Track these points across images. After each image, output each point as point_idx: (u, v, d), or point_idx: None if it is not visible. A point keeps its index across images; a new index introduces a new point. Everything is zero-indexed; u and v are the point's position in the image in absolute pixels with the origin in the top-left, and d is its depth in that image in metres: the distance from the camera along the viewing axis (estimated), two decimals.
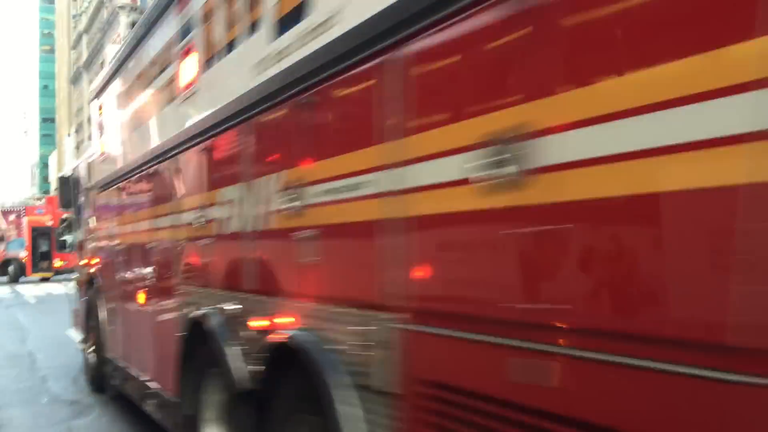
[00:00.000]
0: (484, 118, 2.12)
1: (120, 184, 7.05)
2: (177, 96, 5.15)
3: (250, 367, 3.84)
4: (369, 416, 2.78)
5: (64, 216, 10.74)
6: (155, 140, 5.76)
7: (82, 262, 9.21)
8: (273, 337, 3.51)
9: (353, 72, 2.86)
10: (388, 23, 2.55)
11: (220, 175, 4.41)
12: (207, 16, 4.49)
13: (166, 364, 5.27)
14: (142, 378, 6.15)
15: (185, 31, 4.91)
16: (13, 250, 34.22)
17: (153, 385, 5.82)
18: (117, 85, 7.27)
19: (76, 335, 9.93)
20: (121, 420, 7.21)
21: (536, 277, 2.00)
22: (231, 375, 4.03)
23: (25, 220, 34.19)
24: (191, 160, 4.93)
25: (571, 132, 1.82)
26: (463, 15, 2.22)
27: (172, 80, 5.28)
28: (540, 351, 1.94)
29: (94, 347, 8.39)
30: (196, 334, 4.59)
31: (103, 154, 7.91)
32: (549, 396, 1.92)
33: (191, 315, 4.68)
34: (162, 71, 5.56)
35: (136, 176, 6.44)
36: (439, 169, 2.33)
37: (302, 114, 3.29)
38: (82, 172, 9.14)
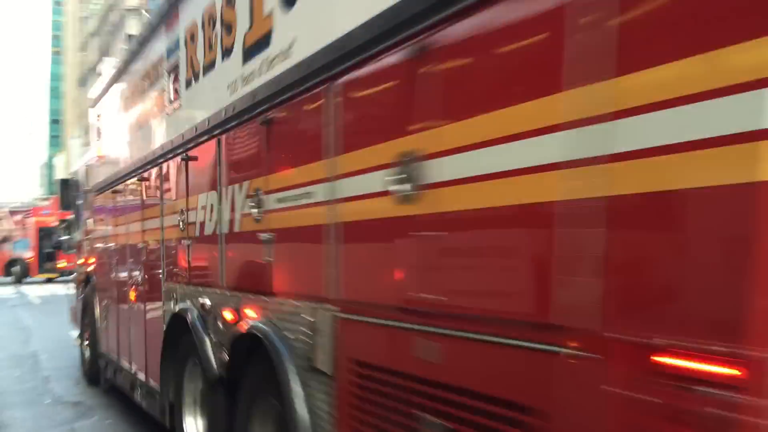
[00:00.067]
0: (392, 143, 2.57)
1: (113, 188, 7.53)
2: (163, 109, 5.61)
3: (222, 356, 4.29)
4: (313, 393, 3.23)
5: (64, 218, 11.18)
6: (143, 149, 6.23)
7: (79, 262, 9.70)
8: (239, 328, 3.97)
9: (301, 97, 3.32)
10: (325, 60, 3.01)
11: (196, 182, 4.87)
12: (191, 38, 4.95)
13: (152, 356, 5.73)
14: (131, 369, 6.61)
15: (171, 50, 5.37)
16: (18, 251, 34.20)
17: (141, 375, 6.28)
18: (112, 96, 7.75)
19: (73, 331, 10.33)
20: (124, 422, 7.22)
21: (429, 272, 2.45)
22: (206, 363, 4.48)
23: (31, 221, 34.30)
24: (172, 169, 5.39)
25: (447, 157, 2.27)
26: (374, 62, 2.70)
27: (159, 94, 5.74)
28: (433, 333, 2.39)
29: (88, 342, 8.87)
30: (176, 327, 5.05)
31: (99, 158, 8.39)
32: (441, 369, 2.37)
33: (172, 310, 5.13)
34: (151, 86, 6.03)
35: (126, 181, 6.92)
36: (363, 183, 2.78)
37: (262, 131, 3.74)
38: (81, 176, 9.63)
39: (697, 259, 1.59)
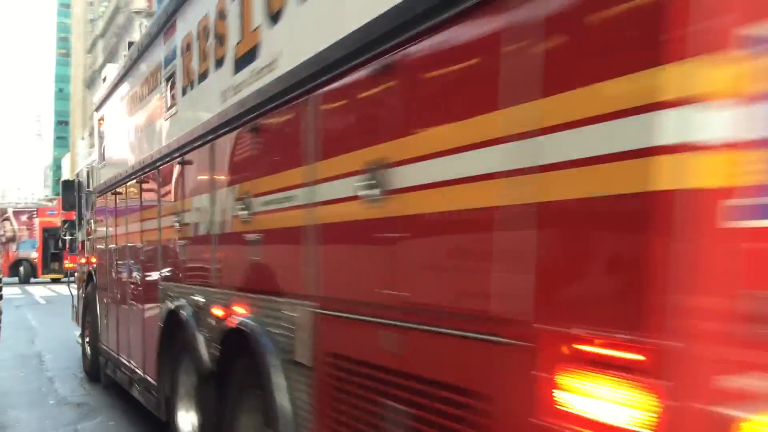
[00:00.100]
0: (362, 152, 2.80)
1: (113, 190, 7.78)
2: (161, 115, 5.85)
3: (213, 351, 4.53)
4: (294, 384, 3.46)
5: (67, 218, 11.44)
6: (142, 152, 6.48)
7: (81, 261, 9.96)
8: (229, 324, 4.20)
9: (284, 108, 3.56)
10: (304, 74, 3.25)
11: (191, 186, 5.11)
12: (186, 48, 5.19)
13: (150, 353, 5.97)
14: (130, 365, 6.86)
15: (168, 59, 5.62)
16: (24, 251, 34.32)
17: (139, 371, 6.52)
18: (113, 101, 8.00)
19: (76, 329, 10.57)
20: (128, 423, 7.25)
21: (391, 271, 2.68)
22: (198, 358, 4.72)
23: (36, 221, 34.44)
24: (169, 172, 5.63)
25: (408, 166, 2.51)
26: (345, 77, 2.96)
27: (157, 100, 5.99)
28: (394, 326, 2.62)
29: (89, 339, 9.13)
30: (172, 324, 5.29)
31: (101, 161, 8.65)
32: (401, 359, 2.59)
33: (168, 307, 5.37)
34: (150, 92, 6.28)
35: (126, 183, 7.17)
36: (337, 189, 3.01)
37: (250, 138, 3.98)
38: (83, 177, 9.89)
39: (606, 259, 1.82)
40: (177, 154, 5.34)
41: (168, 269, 5.71)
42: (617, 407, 1.77)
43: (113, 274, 7.78)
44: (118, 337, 7.51)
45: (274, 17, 3.64)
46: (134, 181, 6.78)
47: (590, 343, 1.84)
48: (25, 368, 10.52)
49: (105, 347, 8.27)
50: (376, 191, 2.69)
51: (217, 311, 4.42)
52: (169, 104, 5.64)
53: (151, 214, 6.16)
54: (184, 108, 5.31)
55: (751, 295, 1.71)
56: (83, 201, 9.94)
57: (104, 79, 8.93)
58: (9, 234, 34.92)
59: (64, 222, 11.13)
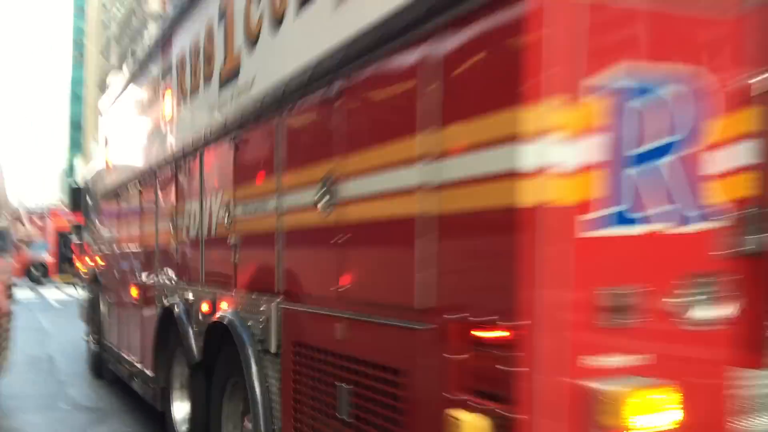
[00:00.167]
0: (317, 167, 3.25)
1: (115, 195, 8.27)
2: (158, 125, 6.32)
3: (200, 343, 4.96)
4: (265, 370, 3.89)
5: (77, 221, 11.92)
6: (141, 160, 6.97)
7: (88, 262, 10.46)
8: (213, 319, 4.64)
9: (259, 125, 4.01)
10: (273, 97, 3.70)
11: (184, 193, 5.57)
12: (181, 65, 5.64)
13: (147, 347, 6.42)
14: (130, 359, 7.32)
15: (165, 73, 6.08)
16: (38, 254, 34.40)
17: (138, 365, 6.97)
18: (117, 109, 8.50)
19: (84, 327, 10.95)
20: (141, 429, 7.15)
21: (337, 269, 3.11)
22: (188, 350, 5.16)
23: (50, 224, 34.61)
24: (164, 180, 6.10)
25: (350, 180, 2.95)
26: (301, 103, 3.40)
27: (155, 112, 6.45)
28: (339, 316, 3.05)
29: (95, 337, 9.61)
30: (166, 320, 5.73)
31: (106, 166, 9.14)
32: (344, 344, 3.03)
33: (163, 304, 5.82)
34: (149, 103, 6.75)
35: (127, 189, 7.66)
36: (298, 198, 3.45)
37: (231, 151, 4.43)
38: (91, 181, 10.39)
39: (487, 260, 2.25)
40: (171, 163, 5.79)
41: (163, 269, 6.16)
42: (500, 376, 2.19)
43: (115, 274, 8.26)
44: (119, 334, 7.97)
45: (252, 43, 4.08)
46: (133, 187, 7.26)
47: (480, 328, 2.27)
48: (36, 371, 10.45)
49: (108, 343, 8.74)
50: (328, 201, 3.13)
51: (204, 307, 4.86)
52: (165, 115, 6.10)
53: (148, 218, 6.62)
54: (176, 120, 5.76)
55: (600, 290, 2.13)
56: (89, 204, 10.43)
57: (108, 88, 9.40)
58: (22, 236, 35.04)
59: (75, 225, 11.60)
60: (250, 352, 4.06)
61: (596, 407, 2.08)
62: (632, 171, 2.15)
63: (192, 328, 5.18)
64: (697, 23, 2.28)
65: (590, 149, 2.09)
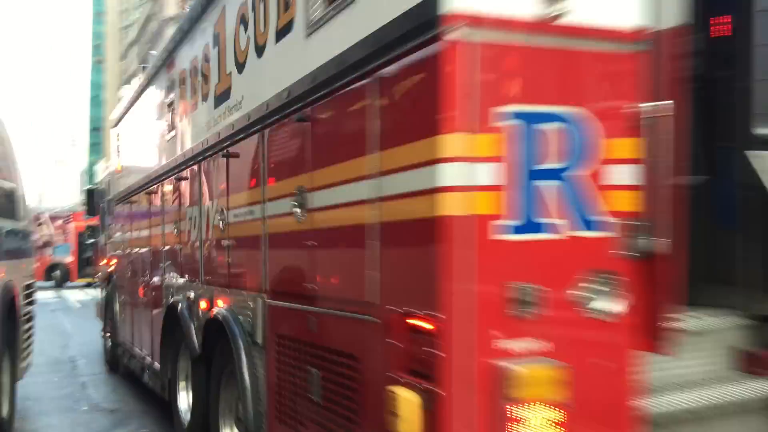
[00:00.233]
0: (292, 179, 3.70)
1: (128, 199, 8.78)
2: (163, 136, 6.80)
3: (201, 337, 5.43)
4: (254, 361, 4.35)
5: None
6: (148, 168, 7.47)
7: (103, 263, 11.00)
8: (210, 314, 5.10)
9: (245, 140, 4.47)
10: (257, 115, 4.15)
11: (186, 199, 6.05)
12: (182, 81, 6.12)
13: (156, 342, 6.90)
14: (141, 354, 7.82)
15: (169, 89, 6.56)
16: (59, 255, 34.85)
17: (148, 359, 7.46)
18: (127, 120, 9.03)
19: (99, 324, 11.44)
20: (160, 430, 7.16)
21: (308, 269, 3.56)
22: (190, 344, 5.62)
23: (71, 226, 35.03)
24: (169, 187, 6.59)
25: (317, 191, 3.39)
26: (279, 122, 3.85)
27: (161, 124, 6.94)
28: (310, 311, 3.50)
29: (109, 333, 10.14)
30: (172, 316, 6.20)
31: (119, 172, 9.67)
32: (314, 335, 3.47)
33: (169, 301, 6.29)
34: (156, 116, 7.24)
35: (137, 193, 8.17)
36: (278, 206, 3.90)
37: (224, 163, 4.89)
38: (105, 186, 10.93)
39: (417, 261, 2.69)
40: (175, 171, 6.28)
41: (171, 269, 6.65)
42: (427, 359, 2.61)
43: (128, 273, 8.78)
44: (132, 330, 8.48)
45: (240, 66, 4.54)
46: (143, 192, 7.76)
47: (412, 318, 2.70)
48: (58, 373, 10.47)
49: (122, 340, 9.25)
50: (301, 209, 3.58)
51: (203, 303, 5.32)
52: (169, 128, 6.58)
53: (156, 221, 7.12)
54: (179, 132, 6.24)
55: (510, 285, 2.55)
56: (104, 208, 10.97)
57: (119, 101, 9.92)
58: (45, 238, 35.34)
59: (89, 227, 12.14)
60: (241, 344, 4.51)
61: (504, 383, 2.50)
62: (535, 185, 2.57)
63: (193, 323, 5.64)
64: (595, 57, 2.69)
65: (498, 169, 2.52)
